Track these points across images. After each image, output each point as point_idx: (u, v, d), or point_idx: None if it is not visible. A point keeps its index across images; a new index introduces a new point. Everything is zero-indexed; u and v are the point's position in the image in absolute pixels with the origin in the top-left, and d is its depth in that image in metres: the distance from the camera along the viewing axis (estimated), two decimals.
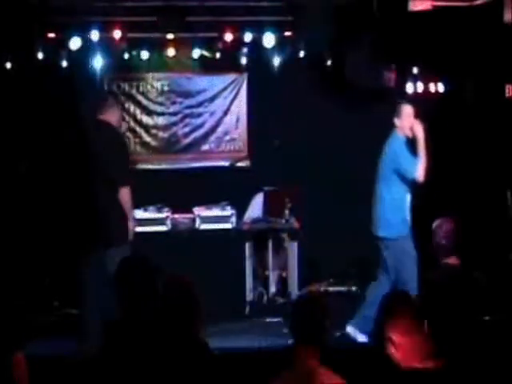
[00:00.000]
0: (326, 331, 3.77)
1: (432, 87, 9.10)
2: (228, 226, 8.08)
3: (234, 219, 8.19)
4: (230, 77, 9.67)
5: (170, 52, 8.92)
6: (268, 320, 7.71)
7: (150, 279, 3.65)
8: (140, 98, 9.60)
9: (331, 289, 8.46)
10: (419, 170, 6.74)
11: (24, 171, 8.70)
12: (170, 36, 8.53)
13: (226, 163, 9.43)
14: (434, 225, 5.38)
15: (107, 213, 6.46)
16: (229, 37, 8.57)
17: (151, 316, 3.73)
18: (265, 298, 8.21)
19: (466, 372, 4.27)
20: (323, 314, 3.81)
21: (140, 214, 8.12)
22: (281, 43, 8.69)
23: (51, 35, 8.37)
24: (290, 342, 3.86)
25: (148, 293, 3.73)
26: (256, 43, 8.69)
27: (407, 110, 6.91)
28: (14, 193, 8.49)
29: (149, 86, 9.61)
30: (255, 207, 8.47)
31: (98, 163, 6.50)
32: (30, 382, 4.04)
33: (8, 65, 8.50)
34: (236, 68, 9.51)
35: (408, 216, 6.84)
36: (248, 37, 8.62)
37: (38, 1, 7.87)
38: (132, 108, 9.61)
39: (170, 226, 8.13)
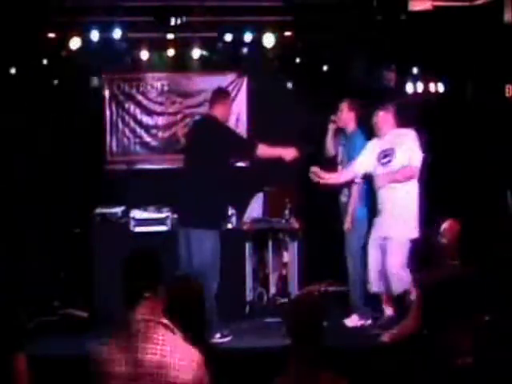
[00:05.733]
0: (322, 331, 3.76)
1: (432, 87, 9.10)
2: (228, 226, 8.07)
3: (233, 219, 8.18)
4: (230, 77, 9.66)
5: (170, 52, 8.93)
6: (268, 320, 7.70)
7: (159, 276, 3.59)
8: (140, 97, 9.59)
9: (331, 289, 8.45)
10: None
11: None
12: (170, 36, 8.53)
13: None
14: (444, 226, 5.37)
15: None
16: (229, 37, 8.57)
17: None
18: (265, 297, 8.20)
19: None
20: (319, 313, 3.81)
21: (140, 214, 8.12)
22: (281, 43, 8.69)
23: (51, 35, 8.37)
24: (289, 342, 3.85)
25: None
26: (256, 43, 8.69)
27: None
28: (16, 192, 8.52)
29: (149, 86, 9.60)
30: (255, 207, 8.46)
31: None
32: (30, 382, 4.03)
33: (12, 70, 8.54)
34: (236, 68, 9.51)
35: None
36: (248, 37, 8.62)
37: (38, 1, 7.88)
38: (132, 108, 9.59)
39: (169, 226, 8.12)
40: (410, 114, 8.04)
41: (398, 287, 7.13)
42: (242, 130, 9.72)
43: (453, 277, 5.19)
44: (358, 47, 8.45)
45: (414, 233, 7.18)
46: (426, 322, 5.09)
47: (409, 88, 9.10)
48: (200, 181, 6.99)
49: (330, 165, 7.91)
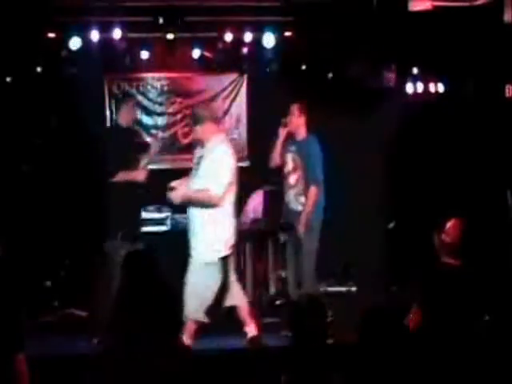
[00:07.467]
0: (324, 331, 3.77)
1: (432, 87, 9.11)
2: None
3: None
4: (230, 77, 9.67)
5: (170, 52, 8.93)
6: (267, 320, 7.69)
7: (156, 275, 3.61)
8: (140, 97, 9.60)
9: (331, 289, 8.44)
10: None
11: (26, 171, 8.72)
12: (170, 36, 8.54)
13: None
14: (448, 225, 5.37)
15: None
16: (229, 37, 8.58)
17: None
18: (264, 298, 8.20)
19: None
20: (321, 313, 3.82)
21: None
22: (281, 43, 8.69)
23: (51, 35, 8.37)
24: (289, 342, 3.85)
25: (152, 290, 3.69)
26: (256, 43, 8.69)
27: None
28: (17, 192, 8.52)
29: (149, 86, 9.61)
30: (255, 207, 8.46)
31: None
32: (30, 382, 4.03)
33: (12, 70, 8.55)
34: (236, 68, 9.51)
35: None
36: (248, 37, 8.62)
37: (38, 1, 7.88)
38: None
39: (169, 226, 8.12)
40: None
41: None
42: (242, 130, 9.74)
43: (454, 275, 5.20)
44: (357, 47, 8.44)
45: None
46: (426, 321, 5.09)
47: (409, 88, 9.11)
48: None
49: (275, 175, 7.49)
